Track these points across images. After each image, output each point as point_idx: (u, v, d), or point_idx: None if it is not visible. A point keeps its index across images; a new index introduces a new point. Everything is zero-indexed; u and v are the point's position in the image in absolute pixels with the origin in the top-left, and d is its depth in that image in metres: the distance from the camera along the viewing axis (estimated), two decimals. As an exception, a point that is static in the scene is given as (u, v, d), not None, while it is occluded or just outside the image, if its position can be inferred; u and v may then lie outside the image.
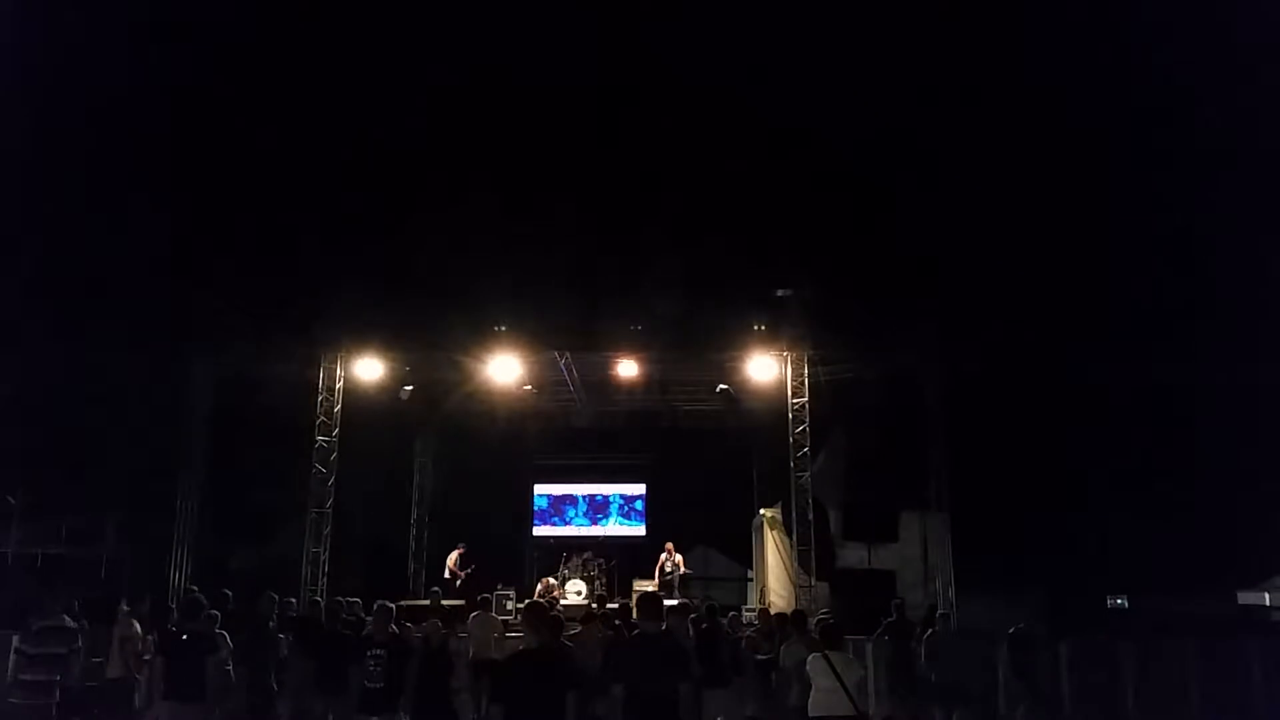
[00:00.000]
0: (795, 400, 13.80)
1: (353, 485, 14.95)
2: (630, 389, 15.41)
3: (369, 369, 14.11)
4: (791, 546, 14.19)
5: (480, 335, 13.60)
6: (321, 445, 14.01)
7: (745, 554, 17.68)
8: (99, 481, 16.73)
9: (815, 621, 8.68)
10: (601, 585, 15.20)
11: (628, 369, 14.08)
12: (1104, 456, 18.67)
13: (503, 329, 13.46)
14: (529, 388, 15.68)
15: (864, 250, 18.65)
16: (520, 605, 10.34)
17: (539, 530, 18.49)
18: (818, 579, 13.62)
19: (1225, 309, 19.16)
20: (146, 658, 8.29)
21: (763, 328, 13.55)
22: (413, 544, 18.49)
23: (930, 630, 9.71)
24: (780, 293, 13.82)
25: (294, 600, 11.64)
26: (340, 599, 10.20)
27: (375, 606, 7.71)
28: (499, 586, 13.79)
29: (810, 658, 6.64)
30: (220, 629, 8.27)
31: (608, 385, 15.53)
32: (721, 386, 15.38)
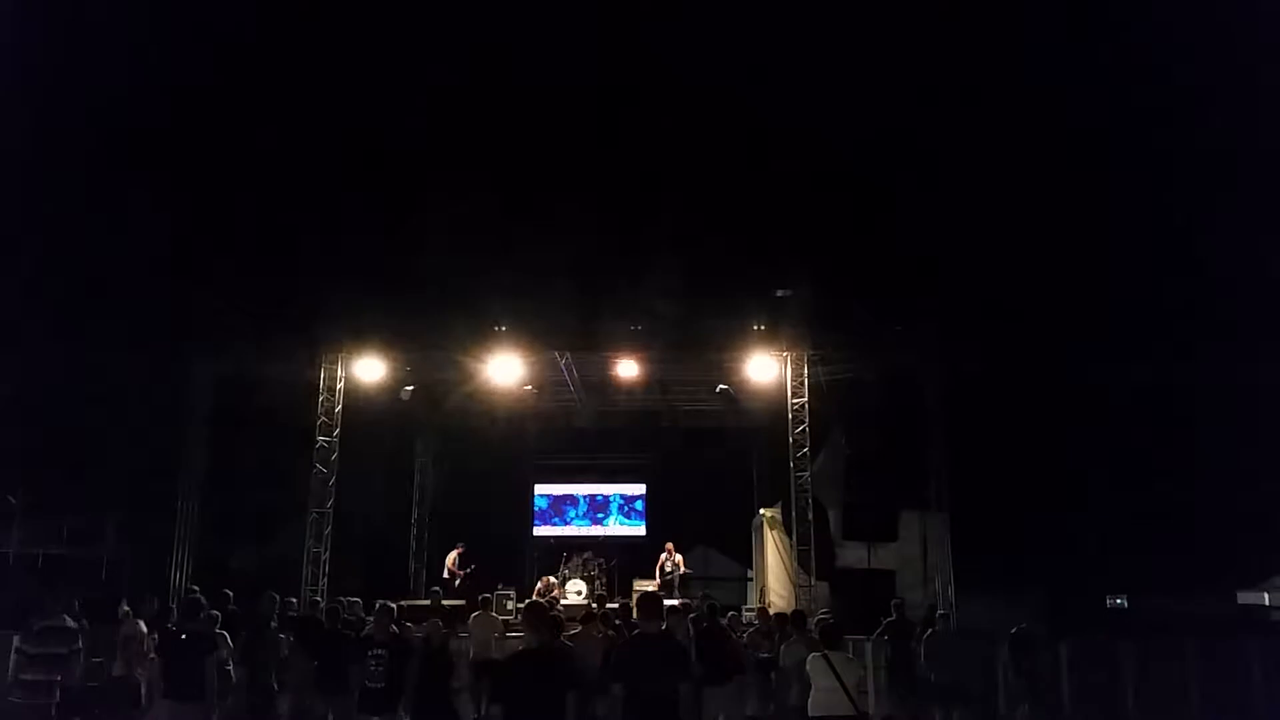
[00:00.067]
0: (795, 400, 13.81)
1: (353, 485, 14.95)
2: (630, 389, 15.42)
3: (369, 369, 14.11)
4: (791, 546, 14.19)
5: (480, 335, 13.60)
6: (322, 445, 14.01)
7: (745, 554, 17.69)
8: (99, 481, 16.73)
9: (815, 621, 8.69)
10: (602, 585, 15.21)
11: (628, 369, 14.08)
12: (1104, 456, 18.67)
13: (503, 329, 13.46)
14: (529, 388, 15.68)
15: (864, 250, 18.66)
16: (521, 605, 10.34)
17: (539, 530, 18.50)
18: (817, 579, 13.62)
19: (1225, 309, 19.16)
20: (152, 657, 8.30)
21: (762, 327, 13.55)
22: (413, 544, 18.49)
23: (930, 630, 9.71)
24: (780, 293, 13.81)
25: (294, 600, 11.63)
26: (341, 599, 10.21)
27: (376, 606, 7.72)
28: (499, 586, 13.79)
29: (810, 657, 6.65)
30: (220, 629, 8.28)
31: (608, 385, 15.53)
32: (721, 386, 15.38)
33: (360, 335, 13.93)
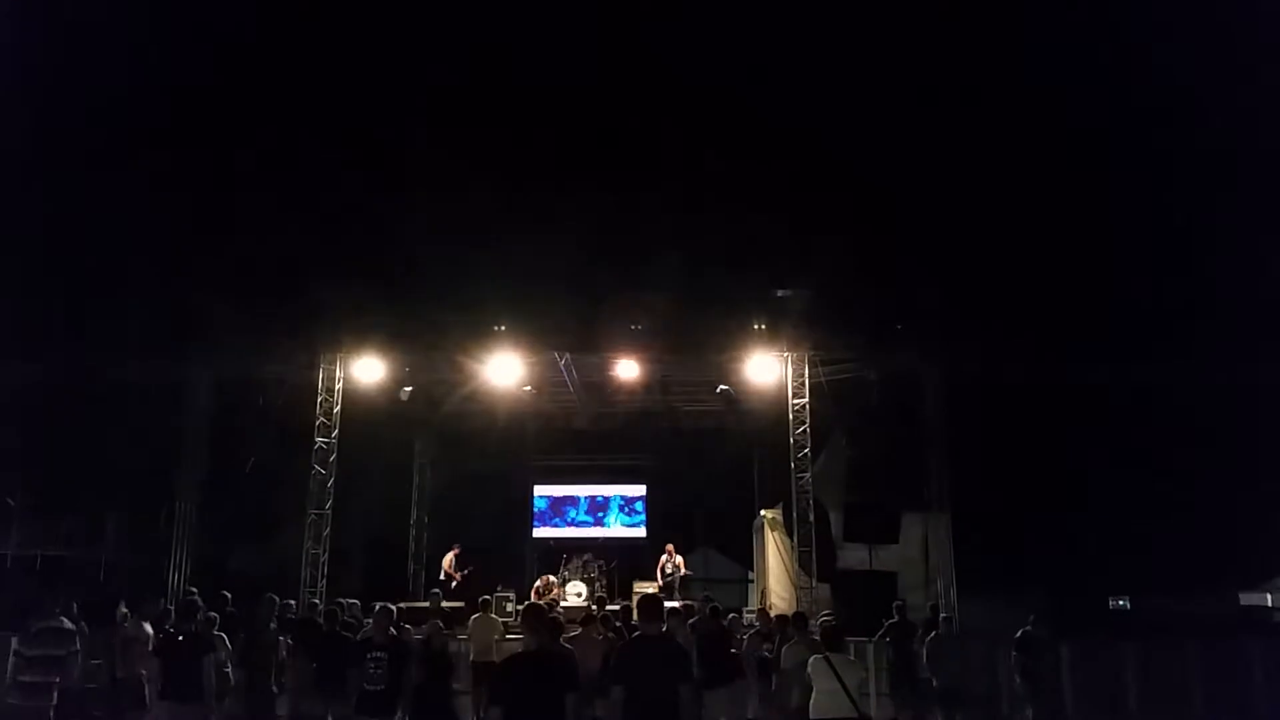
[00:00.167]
0: (796, 401, 13.76)
1: (352, 486, 14.91)
2: (630, 390, 15.37)
3: (369, 370, 14.07)
4: (792, 548, 14.15)
5: (480, 335, 13.56)
6: (321, 446, 13.97)
7: (746, 555, 17.65)
8: (98, 483, 16.70)
9: (818, 622, 8.65)
10: (602, 587, 15.16)
11: (628, 369, 14.03)
12: (1104, 456, 18.65)
13: (502, 329, 13.41)
14: (529, 389, 15.64)
15: (864, 250, 18.64)
16: (521, 607, 10.31)
17: (539, 531, 18.45)
18: (819, 580, 13.58)
19: (1225, 309, 19.15)
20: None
21: (763, 326, 13.51)
22: (412, 545, 18.45)
23: (934, 633, 9.68)
24: (780, 293, 13.77)
25: (293, 602, 11.59)
26: (339, 601, 10.17)
27: (375, 608, 7.67)
28: (499, 588, 13.75)
29: (811, 659, 6.61)
30: (219, 631, 8.25)
31: (608, 386, 15.49)
32: (722, 387, 15.33)
33: (359, 335, 13.89)
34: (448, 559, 15.86)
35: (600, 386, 15.80)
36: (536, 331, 13.44)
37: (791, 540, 14.18)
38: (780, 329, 13.60)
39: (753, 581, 17.24)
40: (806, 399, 13.74)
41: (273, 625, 8.90)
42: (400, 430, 17.86)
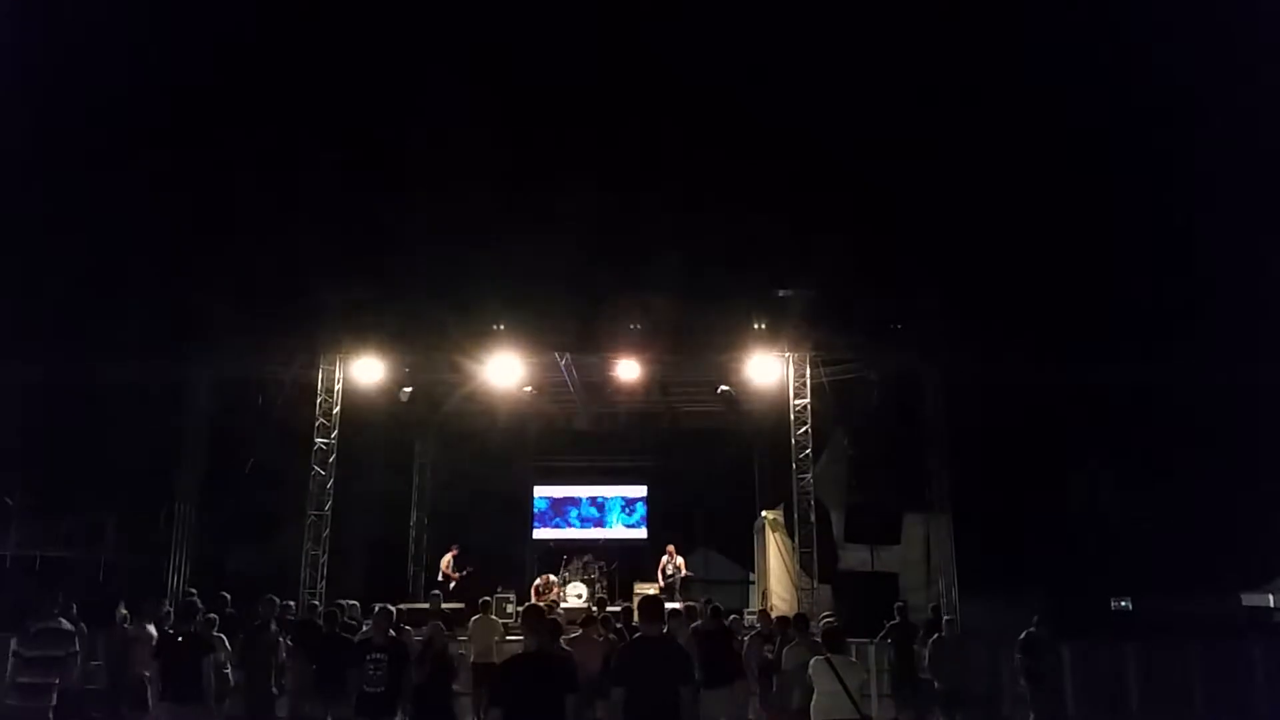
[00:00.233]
0: (797, 401, 13.73)
1: (352, 487, 14.88)
2: (631, 390, 15.34)
3: (368, 370, 14.04)
4: (793, 549, 14.12)
5: (480, 335, 13.53)
6: (321, 447, 13.94)
7: (747, 556, 17.62)
8: (98, 483, 16.68)
9: (820, 624, 8.63)
10: (602, 588, 15.14)
11: (628, 370, 14.01)
12: (1104, 456, 18.64)
13: (501, 328, 13.39)
14: (529, 389, 15.62)
15: (864, 250, 18.63)
16: (521, 608, 10.29)
17: (539, 533, 18.42)
18: (820, 581, 13.54)
19: (1225, 309, 19.15)
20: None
21: (763, 326, 13.48)
22: (412, 546, 18.41)
23: (937, 635, 9.66)
24: (781, 293, 13.74)
25: (292, 604, 11.56)
26: (339, 602, 10.14)
27: (375, 609, 7.65)
28: (499, 589, 13.72)
29: (813, 661, 6.59)
30: (218, 632, 8.23)
31: (608, 387, 15.46)
32: (723, 388, 15.31)
33: (359, 336, 13.86)
34: (446, 560, 15.83)
35: (601, 387, 15.77)
36: (536, 331, 13.41)
37: (793, 541, 14.15)
38: (781, 329, 13.57)
39: (754, 583, 17.21)
40: (808, 399, 13.70)
41: (273, 626, 8.88)
42: (400, 431, 17.83)
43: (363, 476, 15.72)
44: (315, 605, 12.83)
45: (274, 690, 8.66)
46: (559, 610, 11.65)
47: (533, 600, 14.34)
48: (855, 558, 16.00)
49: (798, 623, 8.88)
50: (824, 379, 14.05)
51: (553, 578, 15.24)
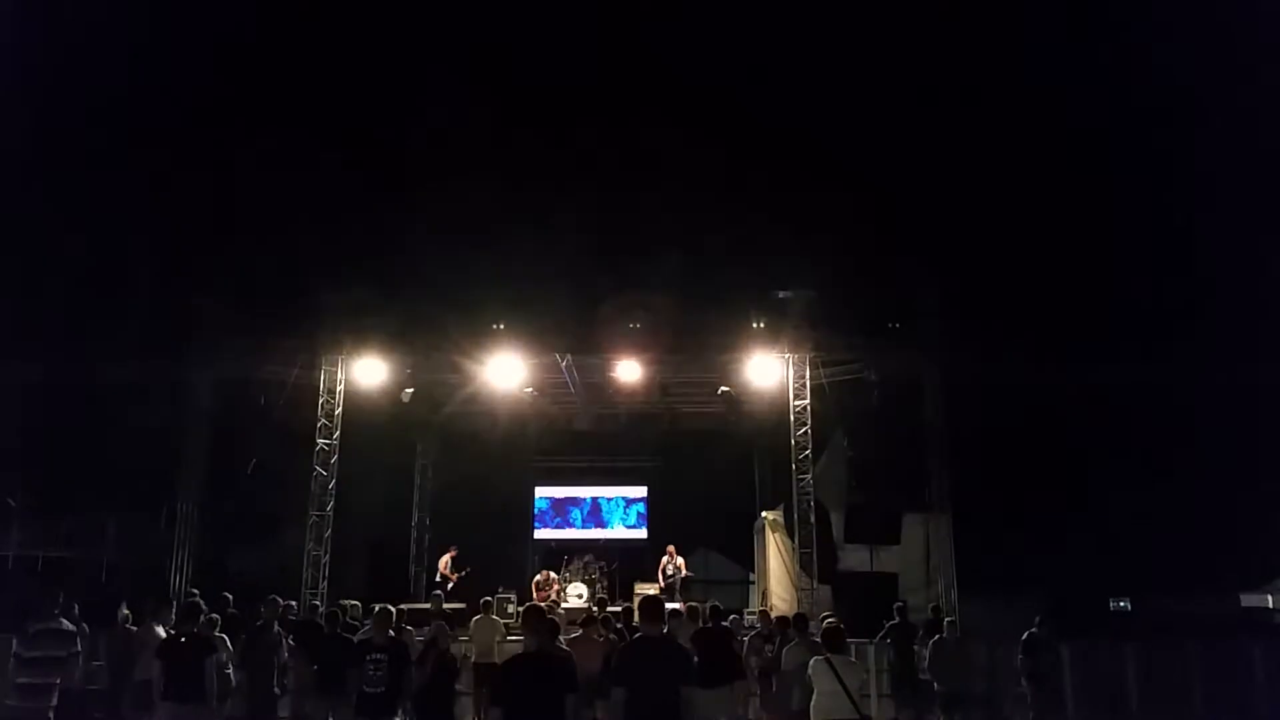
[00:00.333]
0: (797, 402, 13.75)
1: (354, 488, 14.89)
2: (631, 391, 15.35)
3: (370, 371, 14.06)
4: (793, 549, 14.14)
5: (480, 336, 13.55)
6: (322, 448, 13.96)
7: (747, 556, 17.63)
8: (99, 483, 16.69)
9: (821, 623, 8.64)
10: (603, 588, 15.16)
11: (629, 371, 14.02)
12: (1104, 457, 18.64)
13: (502, 327, 13.41)
14: (530, 390, 15.63)
15: (865, 250, 18.66)
16: (522, 609, 10.31)
17: (540, 533, 18.44)
18: (820, 581, 13.56)
19: (1225, 309, 19.16)
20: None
21: (762, 325, 13.49)
22: (413, 547, 18.43)
23: (938, 636, 9.67)
24: (781, 293, 13.75)
25: (294, 604, 11.58)
26: (341, 602, 10.17)
27: (376, 610, 7.67)
28: (500, 590, 13.73)
29: (813, 661, 6.61)
30: (220, 632, 8.25)
31: (609, 387, 15.48)
32: (723, 388, 15.32)
33: (360, 336, 13.88)
34: (444, 560, 15.84)
35: (601, 388, 15.79)
36: (537, 332, 13.43)
37: (792, 541, 14.16)
38: (781, 330, 13.59)
39: (754, 583, 17.23)
40: (807, 400, 13.72)
41: (275, 627, 8.89)
42: (401, 432, 17.84)
43: (364, 477, 15.72)
44: (317, 605, 12.85)
45: (276, 690, 8.67)
46: (559, 610, 11.67)
47: (532, 596, 14.38)
48: (855, 558, 16.01)
49: (797, 623, 8.89)
50: (824, 379, 14.06)
51: (553, 574, 15.26)
